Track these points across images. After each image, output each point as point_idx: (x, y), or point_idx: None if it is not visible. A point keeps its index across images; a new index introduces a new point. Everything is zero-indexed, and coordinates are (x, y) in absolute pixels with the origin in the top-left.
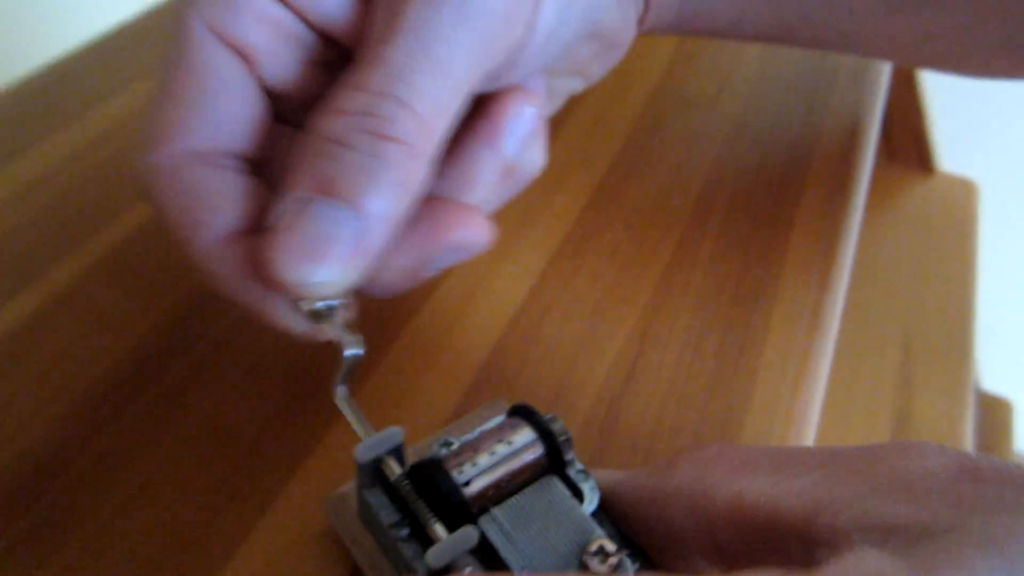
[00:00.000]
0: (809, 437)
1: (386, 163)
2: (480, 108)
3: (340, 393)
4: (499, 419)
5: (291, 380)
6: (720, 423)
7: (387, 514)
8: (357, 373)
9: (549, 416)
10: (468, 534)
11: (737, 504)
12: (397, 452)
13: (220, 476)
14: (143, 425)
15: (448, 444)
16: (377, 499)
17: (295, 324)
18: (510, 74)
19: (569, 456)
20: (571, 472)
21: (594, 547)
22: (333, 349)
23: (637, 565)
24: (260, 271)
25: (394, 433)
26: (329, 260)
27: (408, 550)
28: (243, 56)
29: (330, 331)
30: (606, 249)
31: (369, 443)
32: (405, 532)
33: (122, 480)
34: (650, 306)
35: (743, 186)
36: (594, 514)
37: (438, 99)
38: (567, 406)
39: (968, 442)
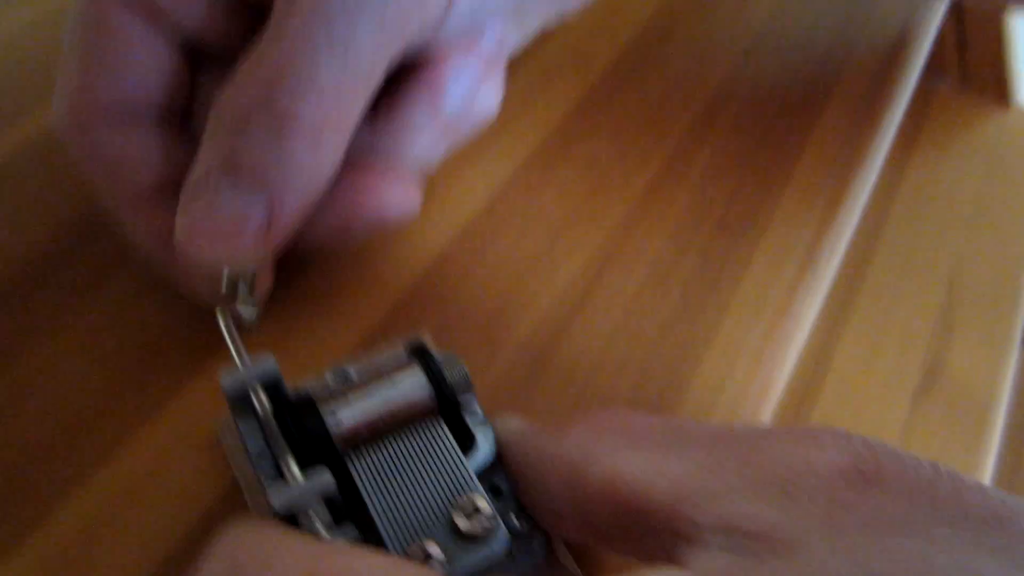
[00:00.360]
0: (776, 388)
1: (291, 144)
2: (420, 61)
3: (221, 314)
4: (397, 354)
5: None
6: (671, 363)
7: (254, 445)
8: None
9: (446, 356)
10: (319, 478)
11: (610, 482)
12: (270, 382)
13: (119, 369)
14: (50, 311)
15: (345, 376)
16: (247, 428)
17: (203, 293)
18: (440, 33)
19: (465, 400)
20: (466, 418)
21: (465, 502)
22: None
23: (523, 530)
24: (169, 245)
25: (265, 362)
26: (235, 242)
27: (267, 486)
28: (148, 9)
29: (237, 302)
30: (583, 160)
31: (236, 370)
32: (268, 466)
33: (20, 363)
34: (621, 227)
35: (754, 102)
36: (489, 467)
37: (342, 79)
38: (503, 330)
39: (1004, 397)
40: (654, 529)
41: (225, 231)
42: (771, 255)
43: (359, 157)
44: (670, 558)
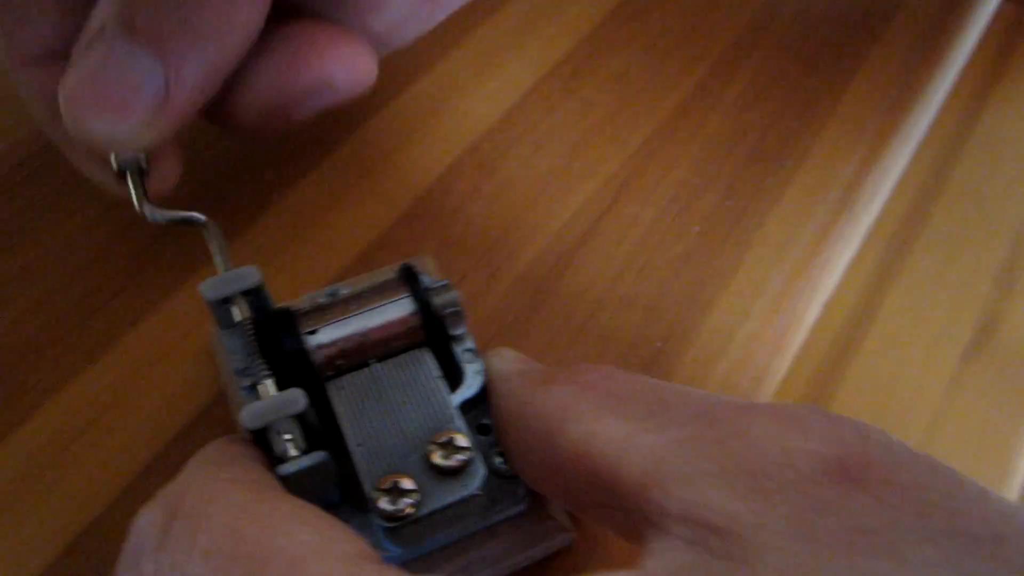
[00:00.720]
0: (795, 339)
1: (196, 5)
2: None
3: (208, 222)
4: (391, 277)
5: (213, 182)
6: (681, 304)
7: (235, 360)
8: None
9: (438, 283)
10: (291, 398)
11: (584, 448)
12: (253, 294)
13: (113, 266)
14: (51, 198)
15: (336, 296)
16: (230, 342)
17: (99, 176)
18: None
19: (456, 331)
20: (456, 349)
21: (442, 437)
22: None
23: (508, 472)
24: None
25: (248, 273)
26: (125, 114)
27: (245, 403)
28: None
29: (133, 190)
30: (611, 74)
31: (217, 280)
32: (247, 383)
33: (15, 252)
34: (643, 150)
35: (805, 19)
36: (471, 402)
37: None
38: (505, 255)
39: None
40: (624, 506)
41: (113, 97)
42: (804, 193)
43: (317, 17)
44: (639, 538)
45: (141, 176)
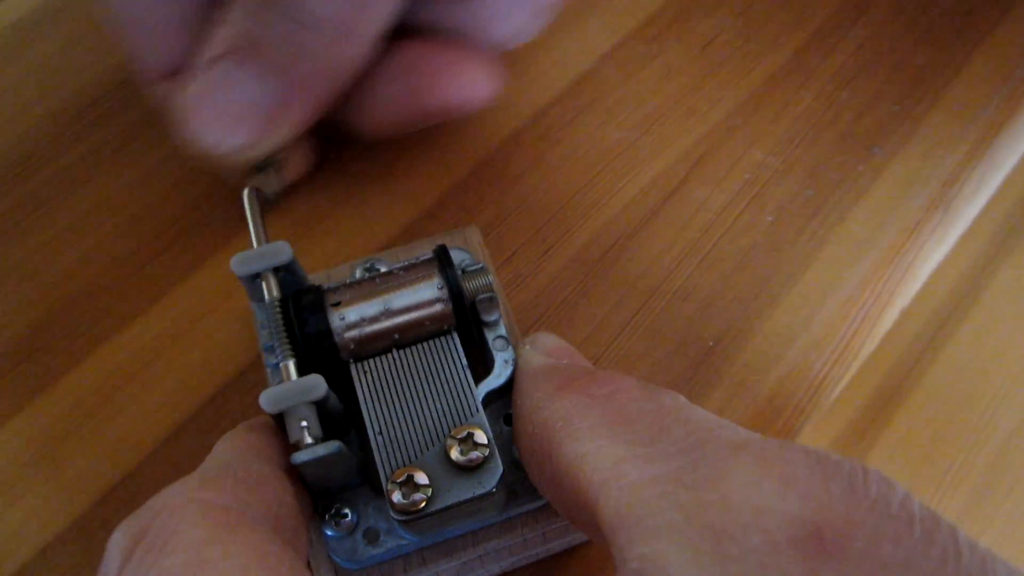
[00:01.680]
0: (863, 349)
1: (312, 33)
2: None
3: (247, 193)
4: (425, 256)
5: None
6: (742, 299)
7: (265, 335)
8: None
9: (474, 266)
10: (310, 384)
11: (575, 470)
12: (285, 270)
13: (167, 219)
14: (109, 150)
15: (373, 270)
16: (260, 315)
17: (226, 175)
18: None
19: (488, 317)
20: (488, 336)
21: (462, 432)
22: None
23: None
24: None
25: (278, 249)
26: (237, 130)
27: (272, 380)
28: None
29: (267, 186)
30: (698, 39)
31: (248, 255)
32: (272, 361)
33: (74, 202)
34: (723, 126)
35: None
36: (499, 390)
37: None
38: (561, 233)
39: None
40: (601, 539)
41: (227, 114)
42: (895, 186)
43: (439, 32)
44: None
45: (268, 172)
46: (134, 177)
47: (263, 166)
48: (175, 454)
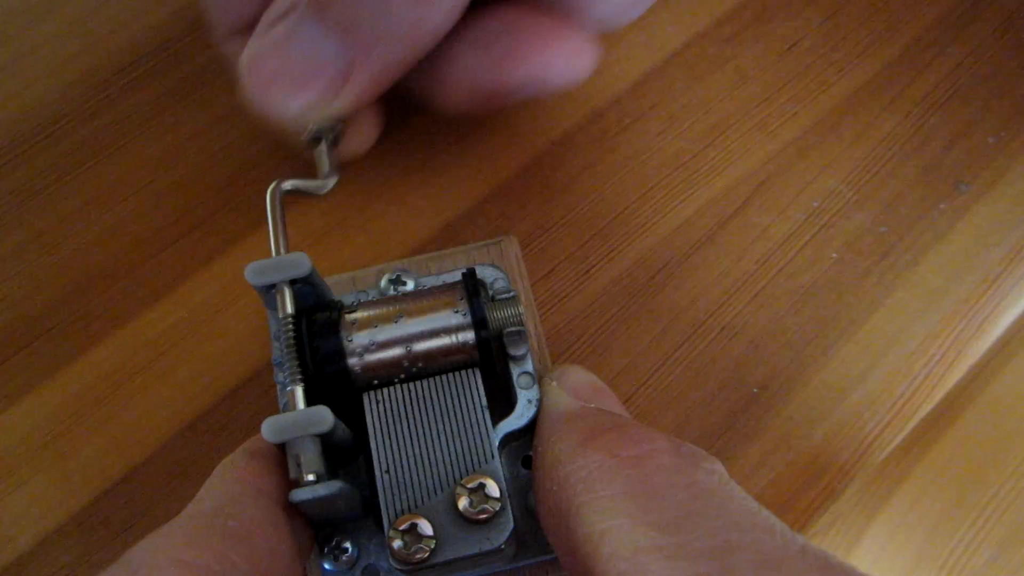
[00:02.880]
0: (920, 409)
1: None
2: None
3: (271, 190)
4: (454, 279)
5: None
6: (793, 344)
7: (275, 348)
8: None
9: (503, 295)
10: (316, 417)
11: (592, 549)
12: (303, 281)
13: (193, 200)
14: (140, 119)
15: (399, 283)
16: (273, 327)
17: (289, 139)
18: None
19: (515, 352)
20: (513, 371)
21: (474, 482)
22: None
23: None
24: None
25: (296, 262)
26: (303, 90)
27: (280, 398)
28: None
29: (321, 159)
30: (777, 43)
31: (264, 265)
32: (280, 378)
33: (104, 171)
34: (795, 145)
35: None
36: (518, 433)
37: None
38: (606, 251)
39: None
40: None
41: (293, 72)
42: (981, 228)
43: (536, 4)
44: None
45: (333, 143)
46: (162, 151)
47: (321, 136)
48: (181, 453)
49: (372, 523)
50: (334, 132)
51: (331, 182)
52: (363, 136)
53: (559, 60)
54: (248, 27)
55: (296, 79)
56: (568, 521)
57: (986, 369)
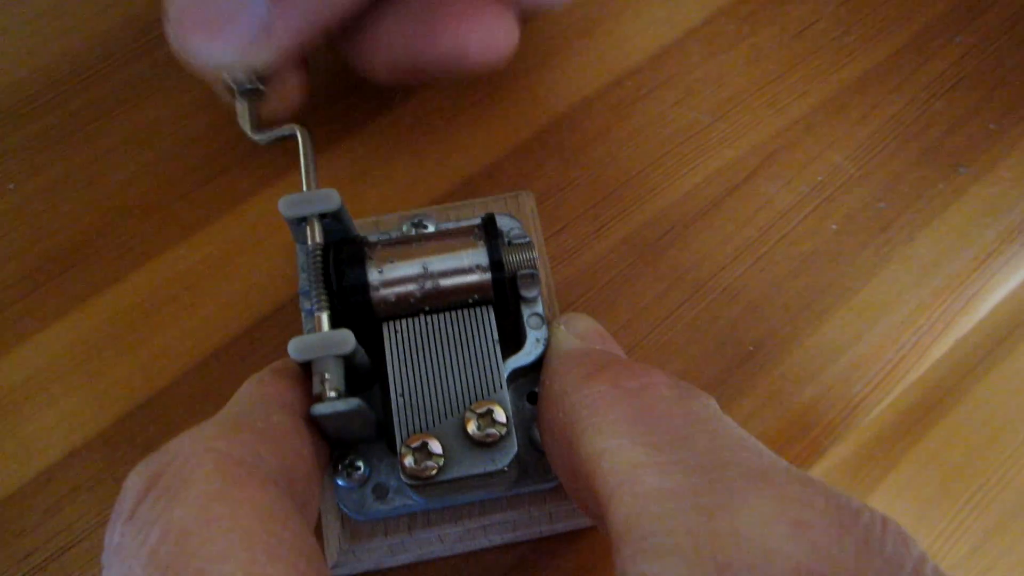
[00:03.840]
0: (907, 376)
1: None
2: None
3: (300, 131)
4: (474, 222)
5: (334, 83)
6: (790, 307)
7: (302, 279)
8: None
9: (520, 239)
10: (339, 338)
11: (593, 466)
12: (332, 216)
13: (225, 144)
14: (171, 65)
15: (420, 226)
16: (301, 258)
17: (217, 89)
18: None
19: (527, 293)
20: (524, 312)
21: (483, 408)
22: None
23: (537, 440)
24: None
25: (327, 196)
26: (223, 39)
27: (306, 326)
28: None
29: (241, 111)
30: (793, 24)
31: (296, 199)
32: (306, 306)
33: (142, 113)
34: (804, 122)
35: None
36: (525, 370)
37: None
38: (617, 211)
39: None
40: (606, 529)
41: (214, 21)
42: (975, 210)
43: None
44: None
45: (252, 97)
46: (198, 97)
47: (241, 88)
48: (205, 380)
49: (384, 446)
50: (253, 86)
51: (257, 137)
52: (286, 97)
53: (477, 37)
54: None
55: (216, 26)
56: (572, 443)
57: (978, 367)
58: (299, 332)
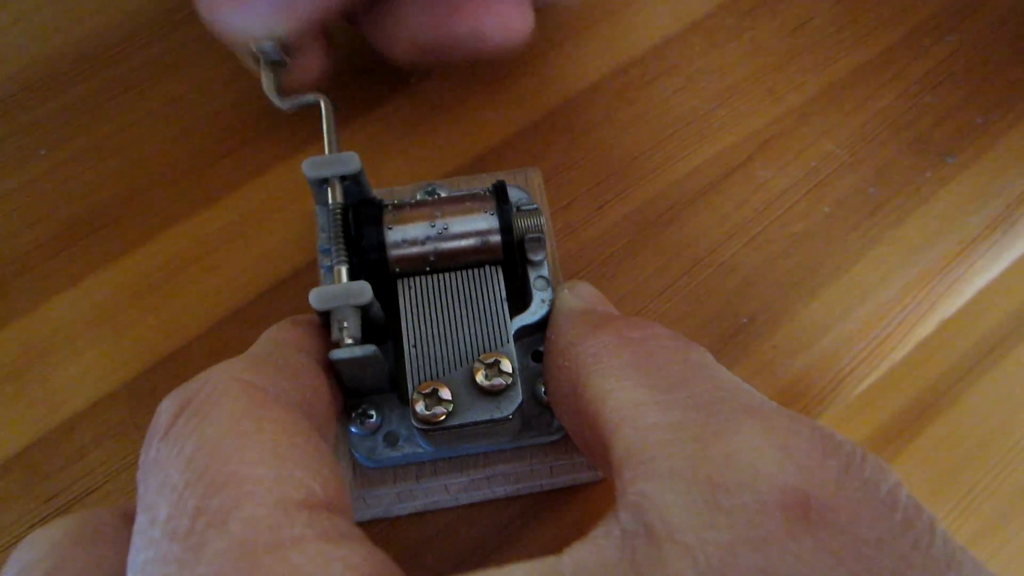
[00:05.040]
0: (894, 354)
1: None
2: None
3: (324, 101)
4: (486, 188)
5: (352, 58)
6: (782, 283)
7: (323, 238)
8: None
9: (528, 206)
10: (357, 289)
11: (598, 406)
12: (352, 179)
13: (249, 118)
14: (205, 43)
15: (433, 193)
16: (321, 219)
17: (244, 61)
18: None
19: (534, 256)
20: (531, 274)
21: (490, 359)
22: None
23: (540, 396)
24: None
25: (348, 159)
26: (248, 7)
27: (324, 282)
28: None
29: (267, 80)
30: (792, 19)
31: (319, 160)
32: (326, 263)
33: (168, 87)
34: (799, 111)
35: None
36: (532, 327)
37: None
38: (620, 190)
39: None
40: (610, 474)
41: None
42: (960, 198)
43: None
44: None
45: (276, 66)
46: (224, 73)
47: (265, 57)
48: (224, 337)
49: (395, 398)
50: (278, 57)
51: (283, 104)
52: (309, 69)
53: (495, 22)
54: None
55: (241, 1)
56: (576, 387)
57: (972, 371)
58: None
